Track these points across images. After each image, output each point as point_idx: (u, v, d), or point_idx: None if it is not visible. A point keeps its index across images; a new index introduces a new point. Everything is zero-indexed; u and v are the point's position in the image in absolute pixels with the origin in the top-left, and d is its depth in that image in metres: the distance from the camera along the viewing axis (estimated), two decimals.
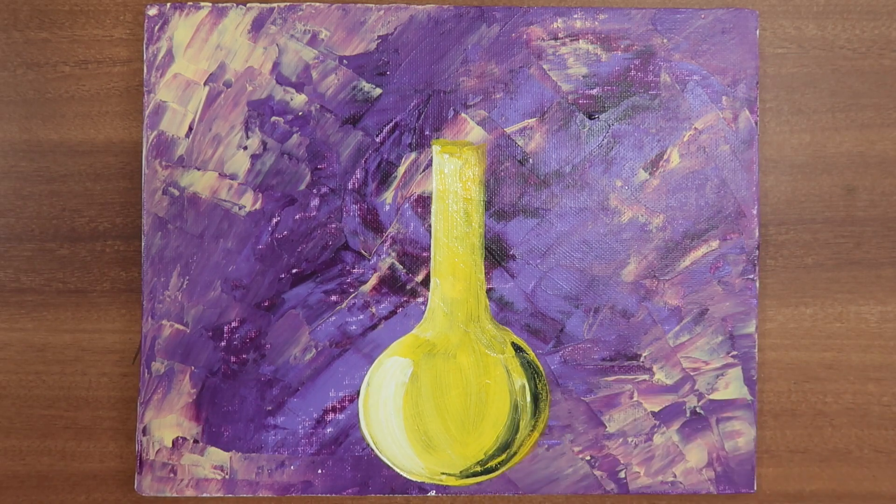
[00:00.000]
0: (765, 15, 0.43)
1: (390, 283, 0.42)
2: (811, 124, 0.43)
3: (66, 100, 0.43)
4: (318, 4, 0.42)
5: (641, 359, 0.42)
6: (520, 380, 0.41)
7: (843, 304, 0.43)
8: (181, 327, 0.41)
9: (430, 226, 0.42)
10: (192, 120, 0.42)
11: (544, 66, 0.42)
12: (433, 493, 0.41)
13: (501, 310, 0.42)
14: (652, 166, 0.42)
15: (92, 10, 0.43)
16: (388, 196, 0.42)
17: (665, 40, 0.42)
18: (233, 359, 0.41)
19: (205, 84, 0.42)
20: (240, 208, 0.42)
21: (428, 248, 0.42)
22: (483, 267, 0.42)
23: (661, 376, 0.42)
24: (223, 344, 0.41)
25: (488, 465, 0.41)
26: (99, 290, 0.43)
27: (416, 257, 0.42)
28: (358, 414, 0.41)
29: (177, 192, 0.41)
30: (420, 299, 0.42)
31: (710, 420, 0.42)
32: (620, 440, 0.42)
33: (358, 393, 0.41)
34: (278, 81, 0.42)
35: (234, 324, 0.41)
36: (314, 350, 0.41)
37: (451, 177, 0.42)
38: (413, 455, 0.41)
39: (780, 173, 0.43)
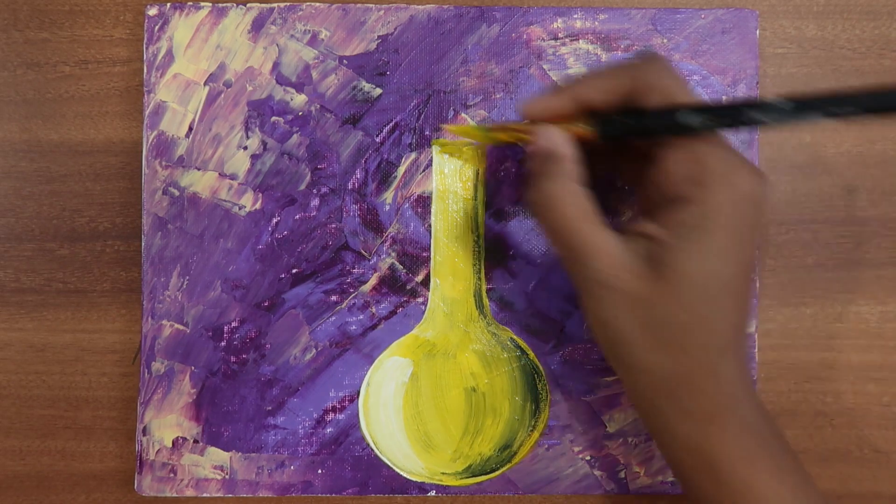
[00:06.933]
0: (765, 15, 0.43)
1: (390, 283, 0.42)
2: (811, 124, 0.43)
3: (66, 100, 0.43)
4: (318, 4, 0.42)
5: None
6: (520, 379, 0.41)
7: (843, 304, 0.43)
8: (181, 327, 0.41)
9: (430, 226, 0.42)
10: (192, 120, 0.41)
11: (544, 66, 0.42)
12: (433, 493, 0.41)
13: (501, 310, 0.42)
14: None
15: (92, 10, 0.43)
16: (388, 196, 0.42)
17: (665, 40, 0.42)
18: (233, 359, 0.41)
19: (205, 84, 0.42)
20: (240, 208, 0.42)
21: (428, 248, 0.42)
22: (483, 267, 0.42)
23: None
24: (223, 344, 0.41)
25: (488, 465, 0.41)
26: (99, 290, 0.43)
27: (416, 257, 0.42)
28: (358, 414, 0.41)
29: (177, 192, 0.41)
30: (420, 299, 0.42)
31: None
32: (620, 440, 0.42)
33: (358, 393, 0.41)
34: (278, 81, 0.42)
35: (234, 324, 0.41)
36: (314, 350, 0.41)
37: (451, 177, 0.42)
38: (413, 455, 0.41)
39: (780, 173, 0.43)
